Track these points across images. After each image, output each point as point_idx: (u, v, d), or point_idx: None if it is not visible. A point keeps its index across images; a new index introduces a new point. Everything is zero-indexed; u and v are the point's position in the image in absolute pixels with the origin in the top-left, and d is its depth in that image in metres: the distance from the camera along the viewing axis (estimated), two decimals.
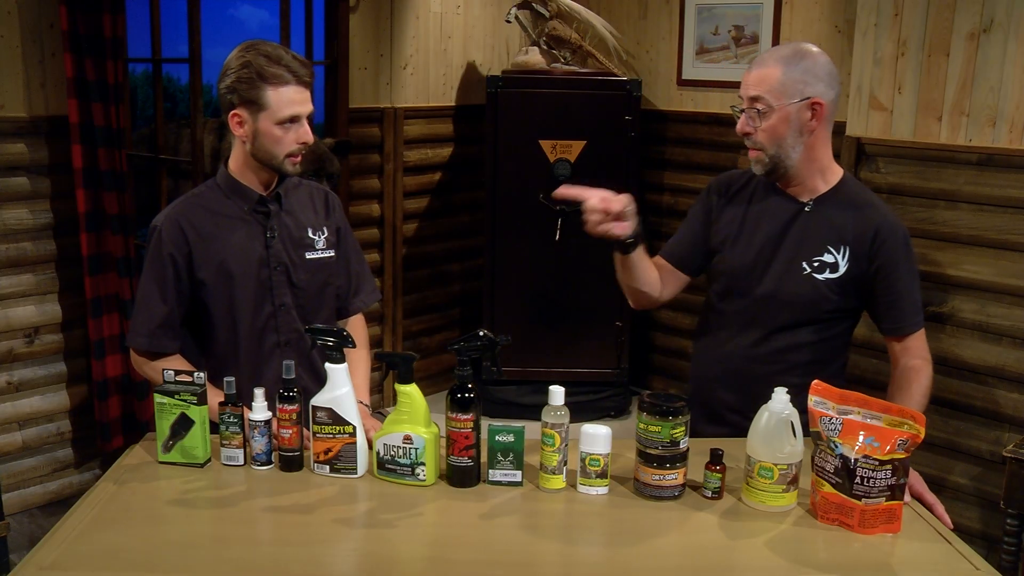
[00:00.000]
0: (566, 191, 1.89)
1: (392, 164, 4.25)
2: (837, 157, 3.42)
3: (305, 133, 2.07)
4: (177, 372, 1.87)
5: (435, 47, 4.35)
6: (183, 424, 1.84)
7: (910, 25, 3.19)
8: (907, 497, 1.67)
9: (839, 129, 3.50)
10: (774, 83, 1.96)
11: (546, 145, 4.07)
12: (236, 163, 2.14)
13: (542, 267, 4.17)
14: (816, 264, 2.04)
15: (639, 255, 2.06)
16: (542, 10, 4.19)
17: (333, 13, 3.85)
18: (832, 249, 2.04)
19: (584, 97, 4.06)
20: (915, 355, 2.04)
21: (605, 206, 1.88)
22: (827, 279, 2.04)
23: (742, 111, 2.02)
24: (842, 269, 2.03)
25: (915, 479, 1.73)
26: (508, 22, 4.30)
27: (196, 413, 1.83)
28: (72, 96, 3.15)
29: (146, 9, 3.41)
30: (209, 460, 1.88)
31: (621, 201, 1.89)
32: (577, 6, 4.21)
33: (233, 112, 2.04)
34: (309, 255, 2.18)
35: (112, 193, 3.28)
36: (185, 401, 1.83)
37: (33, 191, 3.24)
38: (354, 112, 3.98)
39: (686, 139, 4.42)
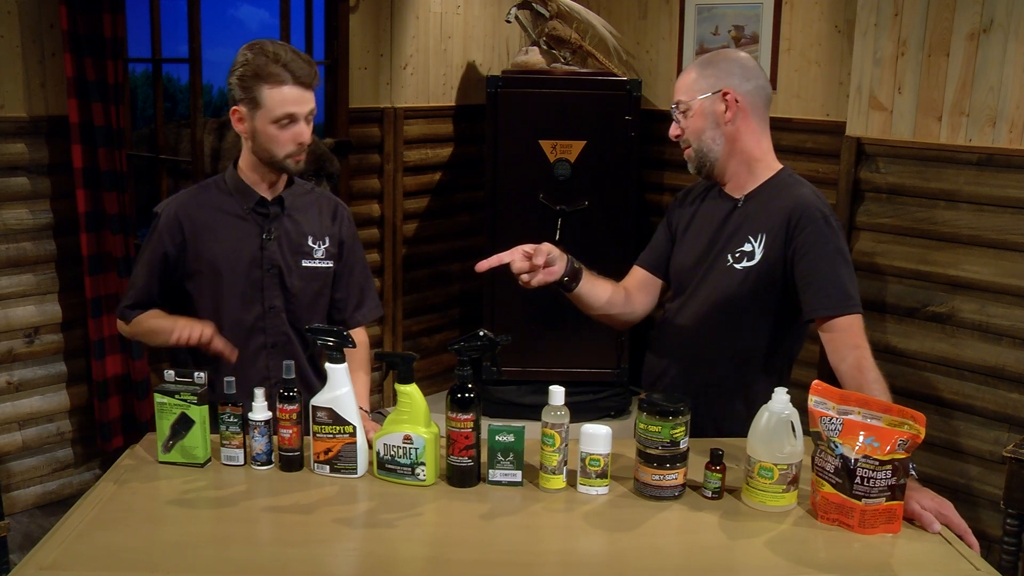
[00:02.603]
0: (487, 263, 1.97)
1: (392, 164, 4.25)
2: (835, 157, 3.48)
3: (300, 133, 2.06)
4: (177, 372, 1.88)
5: (435, 47, 4.35)
6: (183, 424, 1.84)
7: (910, 25, 3.19)
8: (937, 526, 1.65)
9: (838, 129, 3.52)
10: (690, 84, 2.08)
11: (546, 145, 4.06)
12: (244, 162, 2.17)
13: None
14: (737, 255, 2.06)
15: (588, 283, 2.11)
16: (542, 10, 4.19)
17: (333, 13, 3.85)
18: (751, 238, 2.05)
19: (584, 97, 4.06)
20: (845, 344, 1.91)
21: (530, 264, 1.96)
22: (744, 267, 2.05)
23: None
24: (758, 256, 2.04)
25: (947, 507, 1.68)
26: (508, 22, 4.30)
27: (196, 413, 1.83)
28: (72, 96, 3.15)
29: (146, 9, 3.42)
30: (209, 460, 1.88)
31: (542, 251, 1.97)
32: (577, 6, 4.20)
33: (234, 108, 2.07)
34: (306, 262, 2.19)
35: (112, 193, 3.28)
36: (185, 401, 1.83)
37: (33, 191, 3.25)
38: (354, 112, 3.97)
39: None
